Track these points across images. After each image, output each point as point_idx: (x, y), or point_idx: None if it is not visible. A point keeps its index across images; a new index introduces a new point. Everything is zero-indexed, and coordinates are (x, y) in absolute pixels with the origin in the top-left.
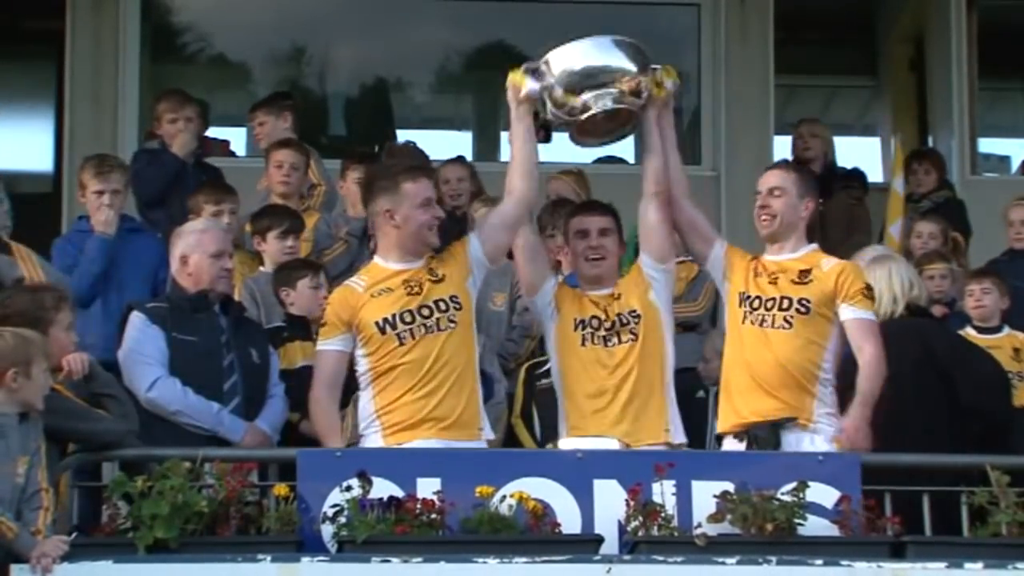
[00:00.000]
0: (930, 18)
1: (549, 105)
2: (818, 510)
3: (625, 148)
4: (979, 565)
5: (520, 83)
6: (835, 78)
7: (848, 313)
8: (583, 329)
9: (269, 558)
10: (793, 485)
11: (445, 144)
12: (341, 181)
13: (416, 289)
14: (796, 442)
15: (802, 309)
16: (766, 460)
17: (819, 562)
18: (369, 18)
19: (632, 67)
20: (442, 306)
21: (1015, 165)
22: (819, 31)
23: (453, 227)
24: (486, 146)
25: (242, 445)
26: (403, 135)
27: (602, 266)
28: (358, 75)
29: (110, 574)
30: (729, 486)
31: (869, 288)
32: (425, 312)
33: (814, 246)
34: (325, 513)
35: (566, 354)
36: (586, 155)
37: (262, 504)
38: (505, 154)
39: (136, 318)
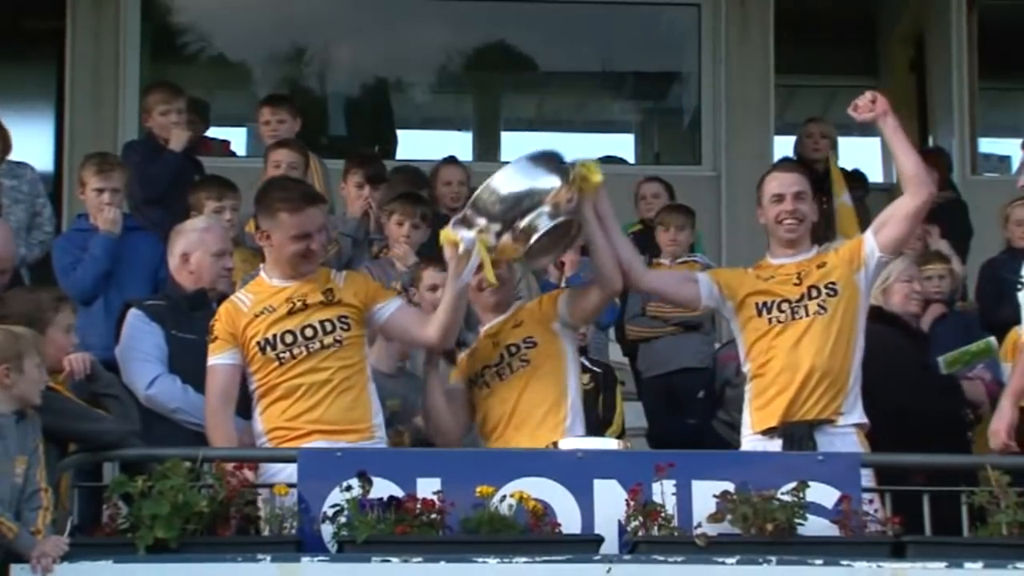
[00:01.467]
0: (930, 18)
1: (492, 242)
2: (818, 510)
3: (625, 148)
4: (979, 565)
5: (454, 239)
6: (835, 78)
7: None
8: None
9: (269, 558)
10: (793, 485)
11: (445, 144)
12: (342, 183)
13: (299, 306)
14: (829, 443)
15: (831, 292)
16: (766, 460)
17: (819, 562)
18: (369, 18)
19: (556, 180)
20: (327, 326)
21: (1015, 165)
22: (819, 31)
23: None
24: (486, 146)
25: (240, 442)
26: (403, 135)
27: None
28: (358, 75)
29: (110, 574)
30: (729, 486)
31: None
32: (308, 332)
33: (817, 247)
34: (325, 513)
35: None
36: (585, 154)
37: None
38: (506, 154)
39: (134, 315)
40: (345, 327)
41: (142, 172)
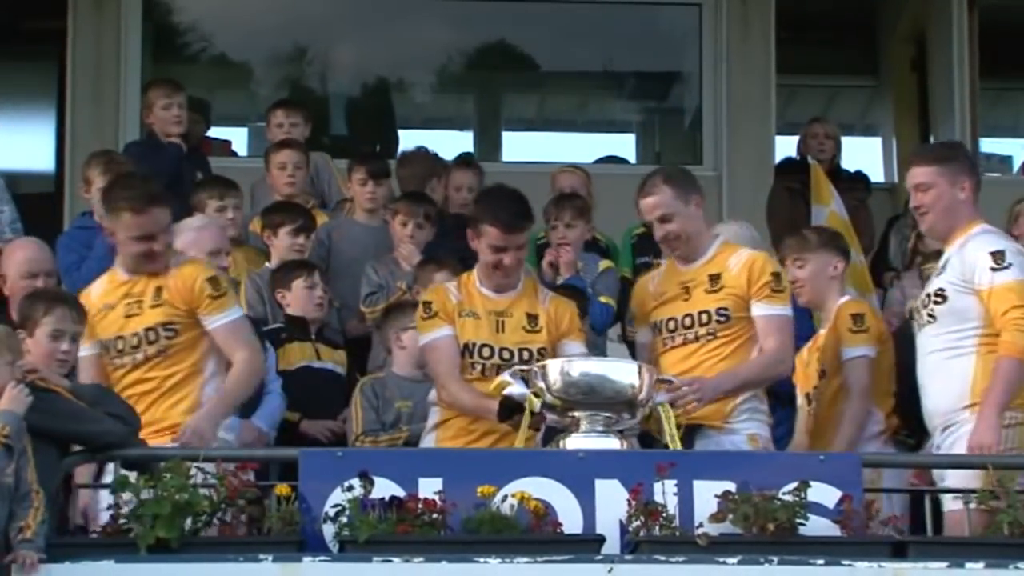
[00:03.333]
0: (931, 18)
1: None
2: (819, 510)
3: (626, 148)
4: (980, 565)
5: (505, 384)
6: (837, 78)
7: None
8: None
9: (271, 558)
10: (794, 485)
11: (447, 144)
12: (348, 182)
13: (135, 310)
14: (711, 445)
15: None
16: (767, 460)
17: (820, 562)
18: (371, 18)
19: (635, 377)
20: (151, 336)
21: (1016, 165)
22: (821, 31)
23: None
24: (487, 146)
25: (237, 441)
26: (405, 135)
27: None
28: (360, 75)
29: (112, 574)
30: (730, 486)
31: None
32: (134, 341)
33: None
34: (327, 513)
35: None
36: (586, 154)
37: (264, 504)
38: (506, 154)
39: None
40: (170, 334)
41: (143, 167)
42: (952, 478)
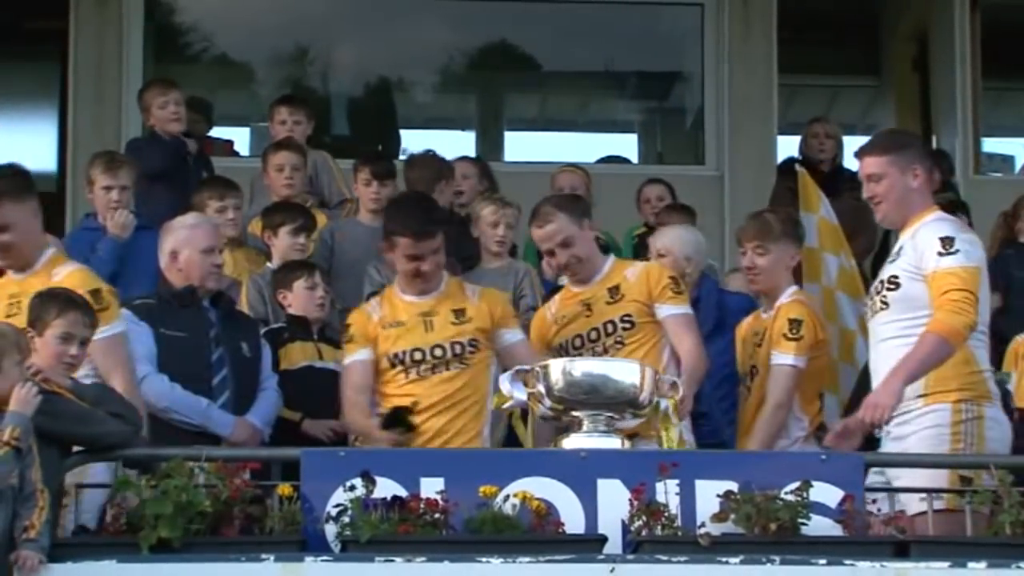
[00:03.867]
0: (934, 18)
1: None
2: (821, 509)
3: (628, 148)
4: (982, 565)
5: (505, 398)
6: (839, 78)
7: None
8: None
9: (272, 558)
10: (796, 484)
11: (449, 144)
12: (355, 182)
13: (15, 311)
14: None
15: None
16: (769, 460)
17: (823, 562)
18: (372, 18)
19: (636, 375)
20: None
21: (1018, 165)
22: (822, 31)
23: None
24: (489, 146)
25: (231, 439)
26: (407, 135)
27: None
28: (361, 75)
29: (114, 574)
30: (732, 486)
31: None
32: None
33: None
34: (329, 513)
35: None
36: (587, 154)
37: (266, 503)
38: (508, 154)
39: (122, 315)
40: None
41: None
42: (908, 477)
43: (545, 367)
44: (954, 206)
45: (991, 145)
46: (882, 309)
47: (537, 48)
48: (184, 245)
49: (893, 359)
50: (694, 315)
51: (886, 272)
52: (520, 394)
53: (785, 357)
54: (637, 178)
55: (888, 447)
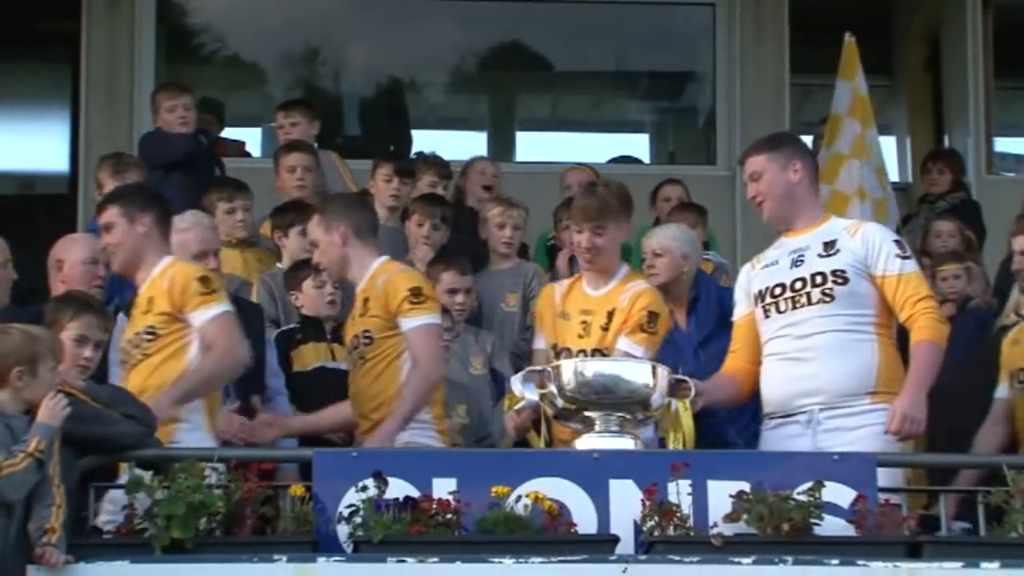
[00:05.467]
0: (946, 18)
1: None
2: (834, 510)
3: (640, 148)
4: (995, 565)
5: (517, 399)
6: None
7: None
8: None
9: (285, 558)
10: (809, 485)
11: (460, 144)
12: (371, 180)
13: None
14: None
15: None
16: (782, 460)
17: (835, 562)
18: (383, 19)
19: (649, 377)
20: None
21: None
22: (834, 31)
23: (465, 226)
24: (501, 146)
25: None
26: (418, 136)
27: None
28: (373, 76)
29: (126, 574)
30: (745, 486)
31: None
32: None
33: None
34: (341, 513)
35: None
36: (598, 154)
37: (278, 504)
38: (520, 154)
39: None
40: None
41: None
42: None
43: (557, 367)
44: (966, 205)
45: (1003, 145)
46: (822, 302)
47: (549, 48)
48: (176, 249)
49: (843, 351)
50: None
51: (822, 265)
52: (532, 395)
53: (636, 348)
54: (649, 178)
55: (824, 438)
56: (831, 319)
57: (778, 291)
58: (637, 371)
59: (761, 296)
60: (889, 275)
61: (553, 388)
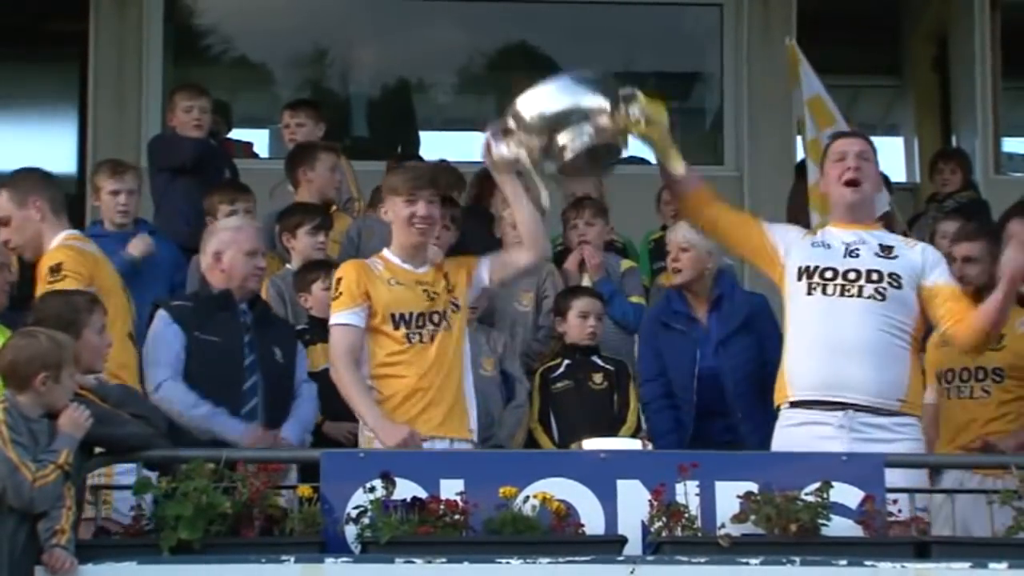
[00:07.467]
0: (954, 17)
1: (525, 155)
2: (842, 510)
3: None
4: (1004, 565)
5: (503, 160)
6: (858, 78)
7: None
8: None
9: (293, 559)
10: (817, 485)
11: (468, 145)
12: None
13: None
14: None
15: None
16: (789, 460)
17: (843, 562)
18: (390, 20)
19: (603, 101)
20: None
21: None
22: (842, 31)
23: (478, 222)
24: None
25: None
26: (425, 136)
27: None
28: (380, 77)
29: (134, 575)
30: (753, 487)
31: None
32: None
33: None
34: (349, 514)
35: None
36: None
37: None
38: None
39: (158, 316)
40: None
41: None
42: None
43: (515, 110)
44: (975, 205)
45: (1011, 144)
46: (873, 298)
47: (556, 49)
48: (227, 246)
49: (887, 352)
50: None
51: (880, 265)
52: (507, 150)
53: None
54: (656, 179)
55: (858, 447)
56: (878, 318)
57: (828, 274)
58: (587, 97)
59: (808, 272)
60: (941, 284)
61: (521, 132)
